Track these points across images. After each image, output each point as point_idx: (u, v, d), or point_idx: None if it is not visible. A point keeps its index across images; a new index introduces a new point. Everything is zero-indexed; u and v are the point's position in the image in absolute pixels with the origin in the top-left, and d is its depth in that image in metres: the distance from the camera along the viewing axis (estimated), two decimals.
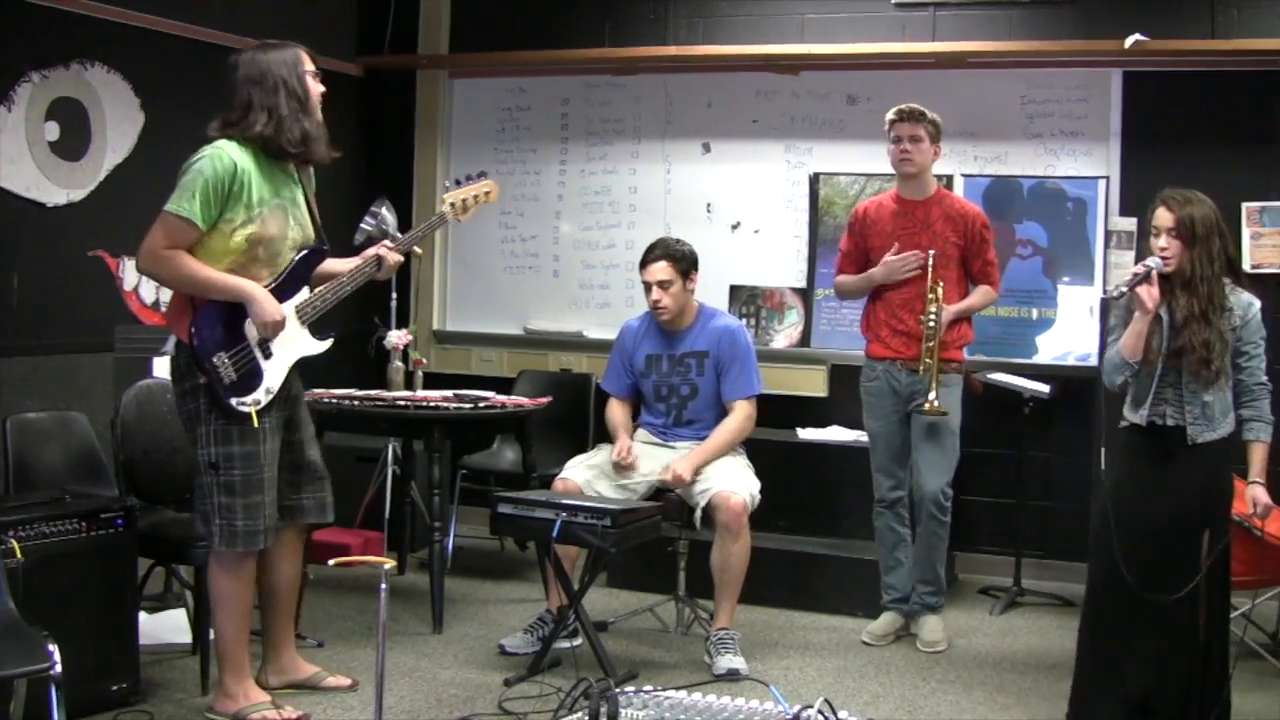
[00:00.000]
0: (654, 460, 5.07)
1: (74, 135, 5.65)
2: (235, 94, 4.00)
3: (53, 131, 5.56)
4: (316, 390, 5.10)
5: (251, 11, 6.31)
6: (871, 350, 5.28)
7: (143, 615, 4.48)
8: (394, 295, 5.96)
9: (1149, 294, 3.83)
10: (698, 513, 4.91)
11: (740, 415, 5.12)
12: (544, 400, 5.70)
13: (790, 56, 6.60)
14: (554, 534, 4.50)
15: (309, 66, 4.09)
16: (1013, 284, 6.13)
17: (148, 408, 4.75)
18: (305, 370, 4.23)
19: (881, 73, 6.45)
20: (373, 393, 5.42)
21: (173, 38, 6.03)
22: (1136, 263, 4.33)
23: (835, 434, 6.29)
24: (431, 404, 5.30)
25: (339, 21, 7.26)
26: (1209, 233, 3.85)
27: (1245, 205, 5.88)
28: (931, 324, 5.03)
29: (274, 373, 4.03)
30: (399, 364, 5.65)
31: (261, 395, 3.99)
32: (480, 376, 6.85)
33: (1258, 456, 3.93)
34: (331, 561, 3.84)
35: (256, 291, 3.95)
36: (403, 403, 5.30)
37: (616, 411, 5.27)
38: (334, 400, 5.24)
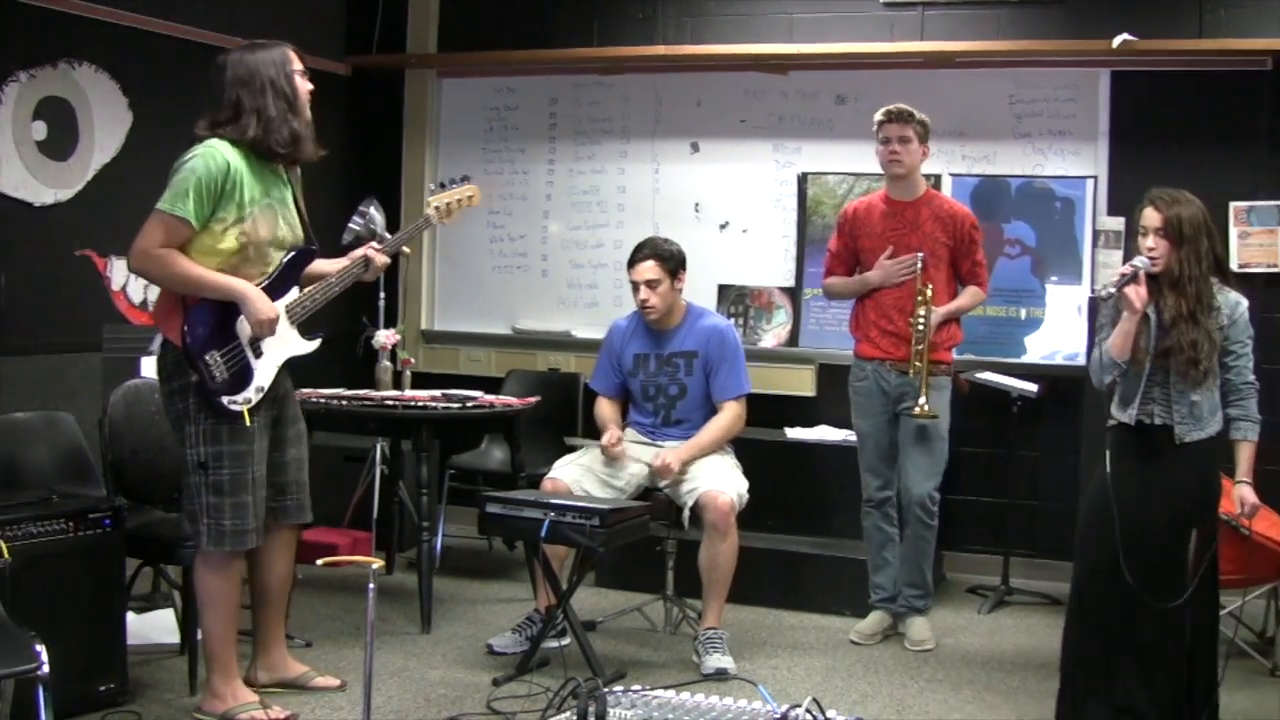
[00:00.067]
0: (643, 459, 5.06)
1: (62, 135, 5.63)
2: (223, 94, 3.99)
3: (40, 131, 5.54)
4: (305, 390, 5.08)
5: (239, 11, 6.29)
6: (860, 350, 5.28)
7: (130, 615, 4.46)
8: (382, 295, 5.94)
9: (1137, 294, 3.84)
10: (685, 512, 4.92)
11: (730, 414, 5.12)
12: (532, 400, 5.69)
13: (779, 56, 6.60)
14: (542, 534, 4.50)
15: (297, 66, 4.08)
16: (1001, 283, 6.14)
17: (135, 407, 4.73)
18: (293, 370, 4.22)
19: (870, 72, 6.46)
20: (361, 392, 5.40)
21: (161, 37, 6.01)
22: (1124, 262, 4.34)
23: (823, 433, 6.29)
24: (420, 404, 5.29)
25: (327, 21, 7.25)
26: (1197, 232, 3.85)
27: (1232, 205, 5.89)
28: (921, 327, 5.03)
29: (264, 371, 4.04)
30: (387, 364, 5.63)
31: (252, 394, 3.99)
32: (468, 376, 6.82)
33: (1245, 456, 3.94)
34: (319, 561, 3.84)
35: (249, 290, 3.95)
36: (391, 402, 5.29)
37: (606, 407, 5.27)
38: (322, 400, 5.23)
